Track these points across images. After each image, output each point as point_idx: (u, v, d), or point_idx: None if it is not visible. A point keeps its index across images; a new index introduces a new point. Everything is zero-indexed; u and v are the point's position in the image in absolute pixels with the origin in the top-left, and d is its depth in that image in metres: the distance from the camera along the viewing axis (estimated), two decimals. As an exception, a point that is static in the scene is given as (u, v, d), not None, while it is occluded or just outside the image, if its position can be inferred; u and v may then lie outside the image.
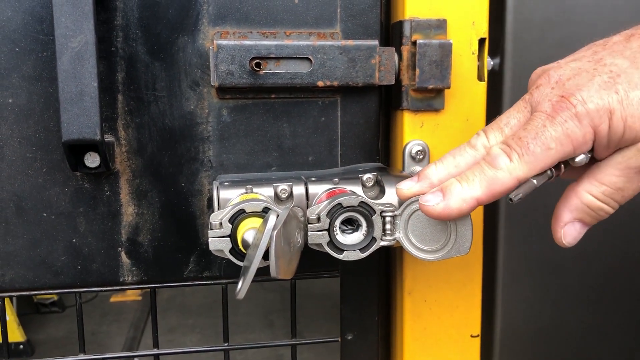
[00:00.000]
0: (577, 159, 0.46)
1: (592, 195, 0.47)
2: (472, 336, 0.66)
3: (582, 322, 1.23)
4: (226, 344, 0.63)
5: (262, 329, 3.38)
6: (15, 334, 2.96)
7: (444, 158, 0.50)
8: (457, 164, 0.49)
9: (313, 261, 0.62)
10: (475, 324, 0.65)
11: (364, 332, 0.65)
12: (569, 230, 0.48)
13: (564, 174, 0.48)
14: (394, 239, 0.50)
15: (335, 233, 0.50)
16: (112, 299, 3.86)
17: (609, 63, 0.46)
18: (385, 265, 0.67)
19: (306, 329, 3.07)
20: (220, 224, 0.48)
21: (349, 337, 0.65)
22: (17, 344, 2.98)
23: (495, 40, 1.50)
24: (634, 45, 0.47)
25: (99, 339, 3.28)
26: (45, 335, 3.33)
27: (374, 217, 0.50)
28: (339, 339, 0.65)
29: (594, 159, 0.47)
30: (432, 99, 0.61)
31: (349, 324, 0.64)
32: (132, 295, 3.94)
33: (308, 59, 0.57)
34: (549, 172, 0.46)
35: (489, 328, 1.26)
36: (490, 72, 1.53)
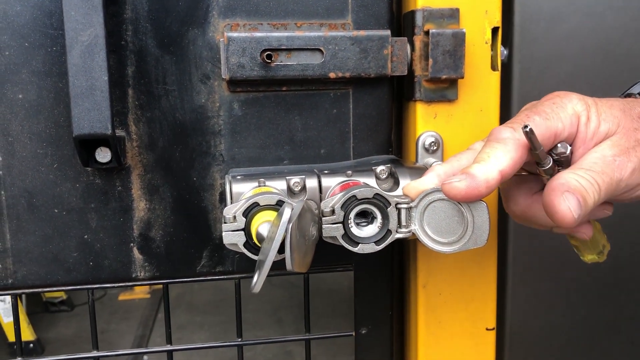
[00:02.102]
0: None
1: None
2: (487, 329, 0.65)
3: (592, 316, 1.23)
4: (239, 340, 0.63)
5: (270, 325, 3.38)
6: (25, 333, 2.97)
7: (446, 160, 0.52)
8: (460, 162, 0.50)
9: (326, 255, 0.61)
10: (490, 317, 0.65)
11: (378, 326, 0.64)
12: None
13: None
14: (409, 231, 0.49)
15: (350, 226, 0.49)
16: (121, 297, 3.87)
17: None
18: (399, 258, 0.67)
19: (315, 325, 3.07)
20: (234, 217, 0.47)
21: (363, 332, 0.64)
22: (27, 342, 2.99)
23: (503, 32, 1.49)
24: None
25: (108, 337, 3.29)
26: (55, 334, 3.34)
27: (389, 209, 0.49)
28: (353, 333, 0.64)
29: None
30: (445, 89, 0.60)
31: (363, 318, 0.64)
32: (140, 293, 3.95)
33: (319, 50, 0.56)
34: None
35: (500, 322, 1.25)
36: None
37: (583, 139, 0.49)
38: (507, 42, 1.46)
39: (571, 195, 0.44)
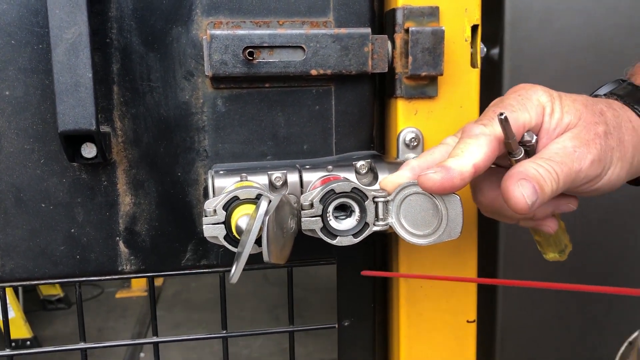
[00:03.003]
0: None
1: None
2: (468, 321, 0.66)
3: (582, 312, 1.24)
4: (224, 332, 0.64)
5: (268, 322, 3.39)
6: (22, 330, 2.98)
7: (420, 155, 0.53)
8: (433, 156, 0.51)
9: (310, 249, 0.62)
10: (471, 310, 0.66)
11: (361, 319, 0.65)
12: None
13: None
14: (386, 224, 0.51)
15: (328, 219, 0.50)
16: (118, 295, 3.88)
17: None
18: (382, 252, 0.68)
19: (311, 321, 3.08)
20: (215, 210, 0.49)
21: (346, 324, 0.65)
22: (24, 340, 3.00)
23: (494, 30, 1.49)
24: None
25: (105, 335, 3.31)
26: (52, 331, 3.35)
27: (366, 202, 0.50)
28: (336, 326, 0.65)
29: None
30: (425, 86, 0.61)
31: (346, 310, 0.65)
32: (137, 291, 3.97)
33: (301, 47, 0.57)
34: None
35: (490, 317, 1.27)
36: (490, 61, 1.52)
37: (547, 129, 0.50)
38: (498, 40, 1.48)
39: (527, 182, 0.46)
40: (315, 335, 2.87)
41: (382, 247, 0.68)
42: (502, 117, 0.45)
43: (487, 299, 1.27)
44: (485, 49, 0.66)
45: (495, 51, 1.37)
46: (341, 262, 0.64)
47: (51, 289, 3.64)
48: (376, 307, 0.66)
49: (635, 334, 0.35)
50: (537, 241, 0.62)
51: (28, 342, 3.00)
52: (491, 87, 1.36)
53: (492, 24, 1.37)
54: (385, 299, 0.68)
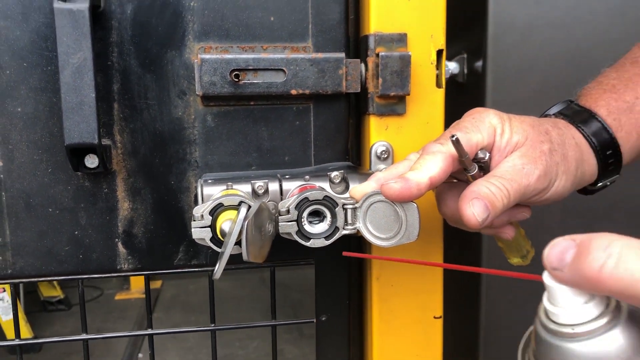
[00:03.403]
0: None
1: None
2: (435, 317, 0.73)
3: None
4: (213, 325, 0.70)
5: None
6: (23, 331, 3.04)
7: (386, 169, 0.59)
8: (397, 170, 0.57)
9: (291, 251, 0.69)
10: (437, 307, 0.72)
11: (337, 314, 0.72)
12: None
13: None
14: (354, 228, 0.57)
15: (303, 223, 0.57)
16: (117, 297, 3.94)
17: None
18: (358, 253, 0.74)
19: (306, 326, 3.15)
20: (202, 216, 0.55)
21: (323, 319, 0.72)
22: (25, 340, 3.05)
23: (478, 44, 1.57)
24: None
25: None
26: (52, 332, 3.41)
27: (337, 209, 0.57)
28: (314, 320, 0.72)
29: None
30: (394, 104, 0.68)
31: (323, 306, 0.72)
32: (136, 293, 4.03)
33: (282, 70, 0.64)
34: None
35: (474, 317, 1.33)
36: (474, 73, 1.60)
37: (498, 147, 0.57)
38: (482, 53, 1.55)
39: (478, 201, 0.52)
40: (310, 337, 2.93)
41: (358, 250, 0.74)
42: (454, 138, 0.52)
43: (471, 296, 1.34)
44: (450, 70, 0.73)
45: (479, 64, 1.44)
46: (319, 262, 0.71)
47: (52, 291, 3.70)
48: (351, 304, 0.73)
49: (531, 328, 0.40)
50: (501, 247, 0.69)
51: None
52: (475, 98, 1.42)
53: (475, 38, 1.44)
54: (360, 297, 0.75)
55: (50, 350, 3.17)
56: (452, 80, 1.49)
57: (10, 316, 2.98)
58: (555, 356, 0.36)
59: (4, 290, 2.92)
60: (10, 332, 3.07)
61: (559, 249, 0.35)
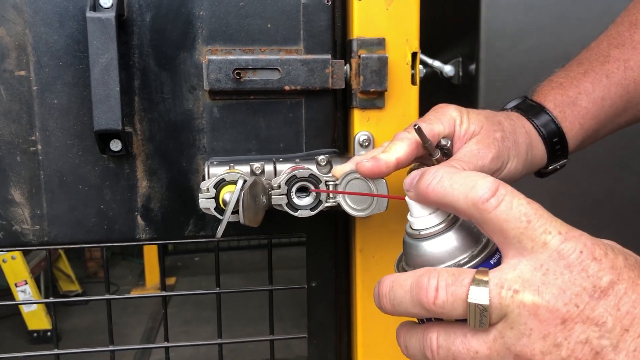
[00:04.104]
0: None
1: None
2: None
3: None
4: (219, 339, 0.82)
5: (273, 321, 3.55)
6: (44, 322, 3.18)
7: (364, 154, 0.70)
8: (372, 154, 0.68)
9: (284, 225, 0.80)
10: (413, 276, 0.83)
11: (325, 281, 0.83)
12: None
13: None
14: (335, 201, 0.68)
15: (292, 197, 0.68)
16: (132, 293, 4.08)
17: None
18: (345, 229, 0.85)
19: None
20: (207, 189, 0.67)
21: (313, 284, 0.83)
22: (45, 331, 3.19)
23: (471, 48, 1.68)
24: None
25: (119, 330, 3.49)
26: (71, 324, 3.55)
27: (320, 185, 0.68)
28: (306, 286, 0.83)
29: None
30: (375, 99, 0.78)
31: (313, 274, 0.83)
32: (151, 289, 4.16)
33: (277, 69, 0.75)
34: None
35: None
36: (468, 76, 1.71)
37: (458, 135, 0.67)
38: (475, 57, 1.66)
39: None
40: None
41: (345, 224, 0.85)
42: (416, 127, 0.63)
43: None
44: (424, 70, 0.84)
45: (472, 67, 1.54)
46: (309, 235, 0.82)
47: (70, 286, 3.85)
48: (337, 272, 0.84)
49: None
50: None
51: (48, 333, 3.20)
52: (469, 99, 1.53)
53: (469, 43, 1.54)
54: (346, 266, 0.86)
55: (69, 341, 3.30)
56: (447, 82, 1.59)
57: (32, 308, 3.12)
58: (412, 251, 0.52)
59: (26, 283, 3.06)
60: (31, 324, 3.21)
61: (411, 177, 0.52)
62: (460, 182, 0.46)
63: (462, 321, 0.46)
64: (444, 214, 0.51)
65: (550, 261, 0.43)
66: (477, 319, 0.44)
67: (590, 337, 0.41)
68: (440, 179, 0.48)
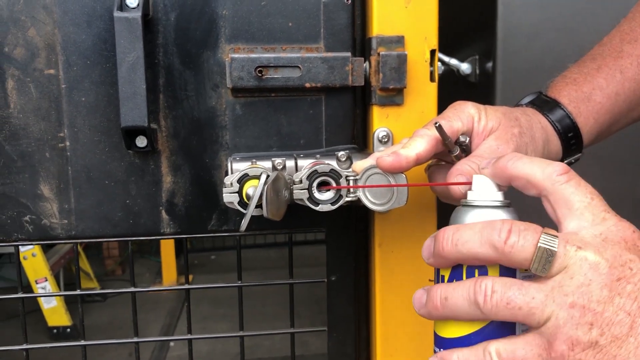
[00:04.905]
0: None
1: None
2: (429, 280, 0.84)
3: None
4: (241, 332, 0.83)
5: (288, 318, 3.58)
6: (64, 319, 3.22)
7: (383, 150, 0.71)
8: (392, 150, 0.69)
9: (305, 220, 0.82)
10: (431, 270, 0.84)
11: (345, 275, 0.84)
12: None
13: None
14: (355, 196, 0.70)
15: (313, 191, 0.69)
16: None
17: None
18: (364, 224, 0.86)
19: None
20: (231, 183, 0.68)
21: (333, 278, 0.84)
22: (65, 327, 3.24)
23: (488, 46, 1.69)
24: None
25: (138, 325, 3.53)
26: (90, 321, 3.59)
27: (341, 180, 0.69)
28: (326, 280, 0.84)
29: None
30: (394, 96, 0.80)
31: (333, 267, 0.84)
32: (167, 286, 4.20)
33: (298, 67, 0.77)
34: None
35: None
36: (485, 74, 1.72)
37: (476, 132, 0.68)
38: (492, 55, 1.66)
39: (461, 177, 0.64)
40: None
41: (365, 219, 0.86)
42: (437, 125, 0.64)
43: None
44: (442, 67, 0.85)
45: (489, 65, 1.55)
46: (329, 230, 0.83)
47: (89, 283, 3.90)
48: (357, 267, 0.85)
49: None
50: None
51: (68, 329, 3.25)
52: (486, 96, 1.53)
53: (486, 41, 1.55)
54: (365, 260, 0.87)
55: (88, 338, 3.34)
56: (464, 80, 1.60)
57: (52, 304, 3.17)
58: (470, 217, 0.57)
59: (46, 280, 3.10)
60: (51, 320, 3.25)
61: (486, 161, 0.59)
62: (537, 161, 0.53)
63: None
64: (504, 197, 0.57)
65: (608, 232, 0.48)
66: (542, 263, 0.48)
67: (638, 297, 0.46)
68: (520, 158, 0.54)
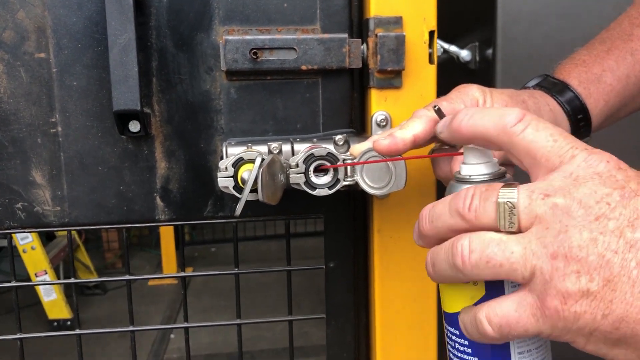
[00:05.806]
0: None
1: None
2: (429, 266, 0.83)
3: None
4: (238, 319, 0.82)
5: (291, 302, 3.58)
6: (64, 312, 3.22)
7: (382, 132, 0.69)
8: (389, 133, 0.68)
9: (303, 206, 0.80)
10: (431, 256, 0.83)
11: (343, 262, 0.83)
12: None
13: None
14: (353, 180, 0.68)
15: (309, 175, 0.68)
16: (150, 283, 4.11)
17: None
18: (363, 210, 0.85)
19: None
20: (226, 167, 0.67)
21: (331, 265, 0.83)
22: (65, 320, 3.24)
23: (488, 33, 1.67)
24: None
25: (137, 318, 3.52)
26: (89, 314, 3.59)
27: (337, 163, 0.68)
28: (324, 267, 0.83)
29: None
30: (392, 78, 0.78)
31: (331, 254, 0.83)
32: (168, 280, 4.20)
33: (294, 49, 0.75)
34: None
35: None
36: (485, 61, 1.70)
37: None
38: (492, 42, 1.64)
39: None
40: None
41: (363, 206, 0.85)
42: (436, 108, 0.62)
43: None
44: (442, 49, 0.83)
45: (489, 52, 1.53)
46: (327, 215, 0.82)
47: (89, 276, 3.89)
48: (355, 253, 0.84)
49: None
50: None
51: (68, 322, 3.24)
52: (486, 83, 1.51)
53: (486, 28, 1.53)
54: (364, 246, 0.86)
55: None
56: (464, 67, 1.58)
57: (52, 297, 3.16)
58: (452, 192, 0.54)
59: (46, 273, 3.09)
60: (51, 313, 3.25)
61: (443, 120, 0.56)
62: (490, 114, 0.49)
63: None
64: (495, 167, 0.54)
65: (579, 170, 0.45)
66: (507, 218, 0.46)
67: (624, 231, 0.42)
68: (472, 115, 0.51)
